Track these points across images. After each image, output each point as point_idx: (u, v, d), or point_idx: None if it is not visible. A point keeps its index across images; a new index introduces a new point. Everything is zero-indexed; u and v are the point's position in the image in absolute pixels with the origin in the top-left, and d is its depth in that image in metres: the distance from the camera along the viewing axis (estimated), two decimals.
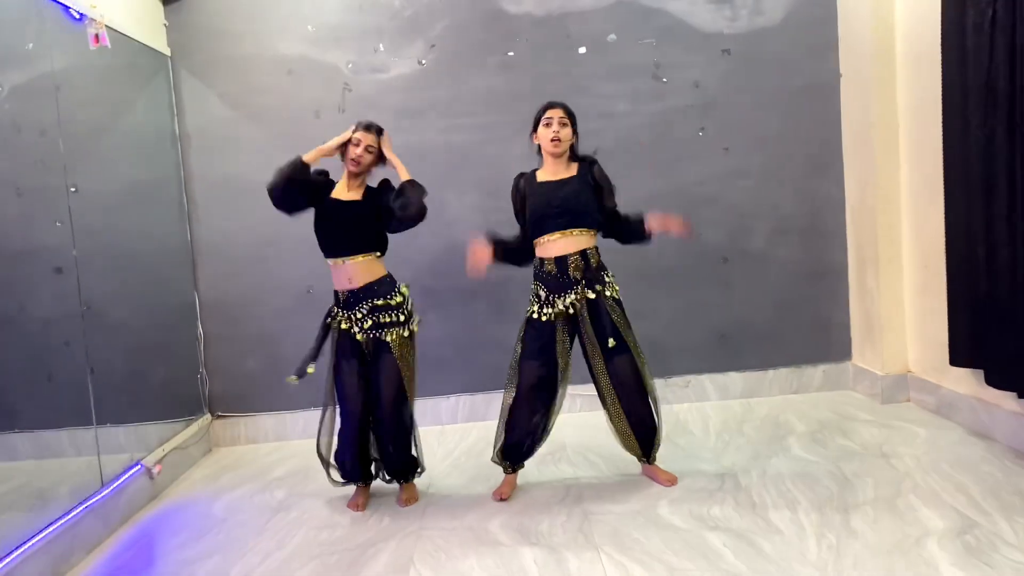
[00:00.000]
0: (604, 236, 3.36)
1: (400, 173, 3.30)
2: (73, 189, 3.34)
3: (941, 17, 3.43)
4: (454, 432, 4.35)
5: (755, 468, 3.42)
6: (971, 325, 3.44)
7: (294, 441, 4.44)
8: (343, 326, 3.29)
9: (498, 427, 3.38)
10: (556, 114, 3.24)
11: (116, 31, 3.70)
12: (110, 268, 3.61)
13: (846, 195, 4.50)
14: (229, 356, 4.47)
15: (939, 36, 3.49)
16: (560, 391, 3.33)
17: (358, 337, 3.27)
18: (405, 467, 3.40)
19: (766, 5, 4.42)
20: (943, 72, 3.45)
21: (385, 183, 3.36)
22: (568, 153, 3.31)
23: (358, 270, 3.25)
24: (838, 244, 4.53)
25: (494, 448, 3.40)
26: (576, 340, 3.33)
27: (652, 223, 3.24)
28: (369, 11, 4.41)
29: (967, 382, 3.68)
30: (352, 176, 3.32)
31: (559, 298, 3.23)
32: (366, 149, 3.27)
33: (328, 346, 3.36)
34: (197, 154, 4.43)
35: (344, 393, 3.31)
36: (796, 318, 4.55)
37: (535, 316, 3.27)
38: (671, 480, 3.33)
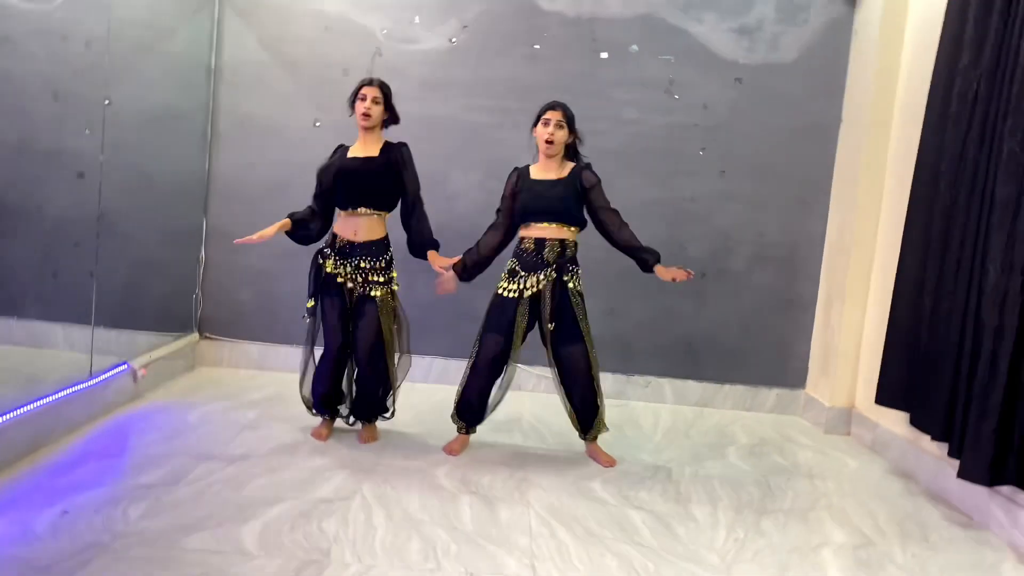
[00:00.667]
0: (603, 237, 3.59)
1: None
2: (107, 102, 3.56)
3: (931, 81, 3.68)
4: (424, 390, 4.61)
5: (690, 466, 3.69)
6: (904, 368, 3.69)
7: (273, 372, 4.70)
8: (329, 269, 3.53)
9: (458, 388, 3.64)
10: (555, 116, 3.48)
11: None
12: (128, 181, 3.81)
13: (826, 233, 4.75)
14: (225, 283, 4.74)
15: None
16: (512, 366, 3.60)
17: (345, 283, 3.52)
18: (371, 409, 3.67)
19: (783, 42, 4.66)
20: (922, 131, 3.70)
21: (403, 145, 3.59)
22: (562, 152, 3.56)
23: (364, 225, 3.51)
24: (811, 277, 4.79)
25: (453, 406, 3.67)
26: (536, 323, 3.58)
27: (661, 273, 3.44)
28: None
29: (902, 424, 3.93)
30: (366, 131, 3.54)
31: (528, 277, 3.49)
32: (373, 101, 3.49)
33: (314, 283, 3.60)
34: (228, 89, 4.68)
35: (326, 330, 3.57)
36: (760, 340, 4.81)
37: (502, 292, 3.53)
38: (610, 462, 3.59)
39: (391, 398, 3.71)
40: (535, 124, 3.55)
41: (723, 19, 4.65)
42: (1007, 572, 2.84)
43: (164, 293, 4.42)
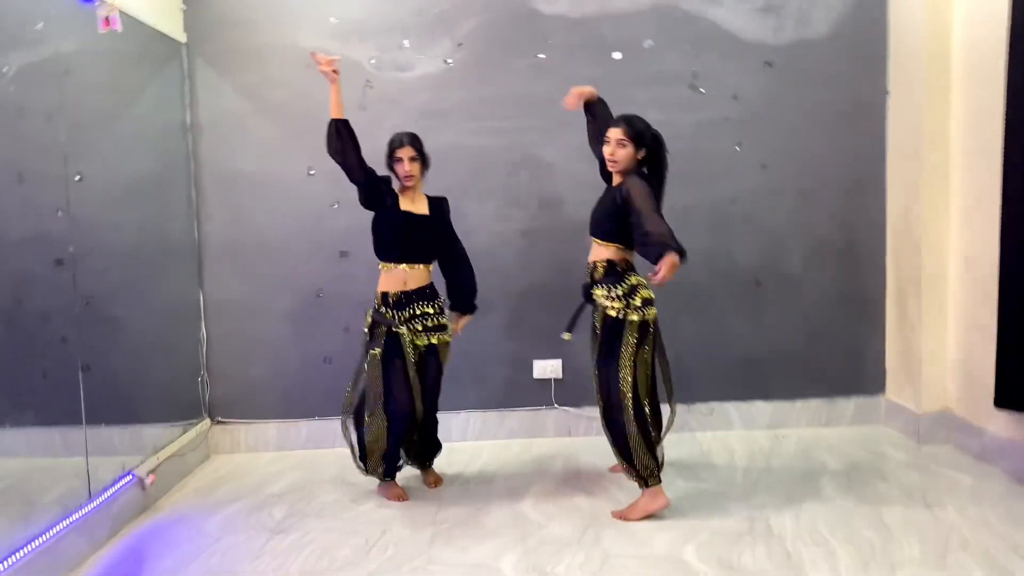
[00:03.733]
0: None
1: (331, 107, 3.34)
2: (77, 177, 3.17)
3: (1009, 24, 3.22)
4: (464, 450, 4.13)
5: (788, 511, 3.19)
6: None
7: (296, 451, 4.23)
8: (391, 322, 3.41)
9: (635, 432, 3.13)
10: (615, 134, 3.21)
11: (130, 16, 3.51)
12: (112, 262, 3.45)
13: (887, 218, 4.27)
14: (232, 360, 4.27)
15: (1005, 44, 3.28)
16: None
17: (405, 336, 3.39)
18: (433, 451, 3.70)
19: (814, 16, 4.20)
20: (1008, 80, 3.23)
21: (444, 200, 3.60)
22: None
23: (414, 275, 3.45)
24: (876, 270, 4.30)
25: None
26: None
27: None
28: (395, 5, 4.21)
29: (1015, 426, 3.45)
30: (409, 189, 3.48)
31: None
32: (411, 160, 3.42)
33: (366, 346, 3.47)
34: (208, 147, 4.23)
35: (395, 393, 3.40)
36: (829, 346, 4.32)
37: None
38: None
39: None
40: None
41: None
42: None
43: (168, 379, 3.98)
